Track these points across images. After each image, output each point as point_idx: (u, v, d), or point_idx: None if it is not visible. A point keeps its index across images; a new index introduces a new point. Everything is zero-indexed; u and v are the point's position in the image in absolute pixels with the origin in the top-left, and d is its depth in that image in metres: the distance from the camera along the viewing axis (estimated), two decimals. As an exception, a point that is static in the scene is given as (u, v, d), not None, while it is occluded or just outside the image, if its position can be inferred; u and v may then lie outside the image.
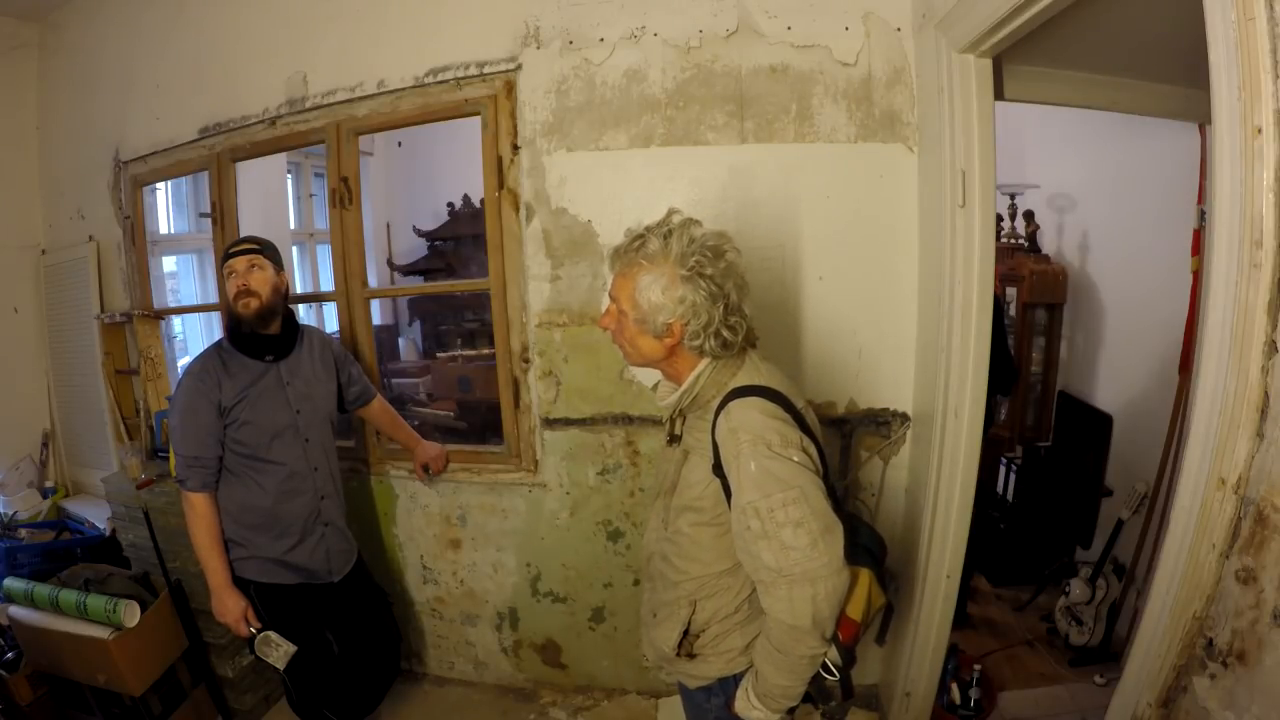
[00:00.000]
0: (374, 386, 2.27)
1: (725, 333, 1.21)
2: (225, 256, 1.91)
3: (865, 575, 1.32)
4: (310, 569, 1.96)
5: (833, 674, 1.25)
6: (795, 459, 1.16)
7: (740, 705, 1.30)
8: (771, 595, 1.16)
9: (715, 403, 1.23)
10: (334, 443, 2.09)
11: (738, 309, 1.23)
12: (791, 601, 1.14)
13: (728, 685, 1.35)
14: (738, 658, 1.33)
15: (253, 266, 1.87)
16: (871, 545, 1.39)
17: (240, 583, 1.90)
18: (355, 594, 2.09)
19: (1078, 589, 2.54)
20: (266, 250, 1.92)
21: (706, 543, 1.28)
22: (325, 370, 2.06)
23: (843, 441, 2.15)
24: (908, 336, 2.09)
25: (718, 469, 1.21)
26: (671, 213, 1.26)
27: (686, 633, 1.34)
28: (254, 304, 1.85)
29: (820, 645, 1.17)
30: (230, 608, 1.85)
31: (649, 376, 2.07)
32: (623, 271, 1.25)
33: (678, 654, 1.35)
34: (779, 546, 1.13)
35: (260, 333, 1.89)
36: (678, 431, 1.35)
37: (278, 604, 1.93)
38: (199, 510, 1.83)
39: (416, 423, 2.38)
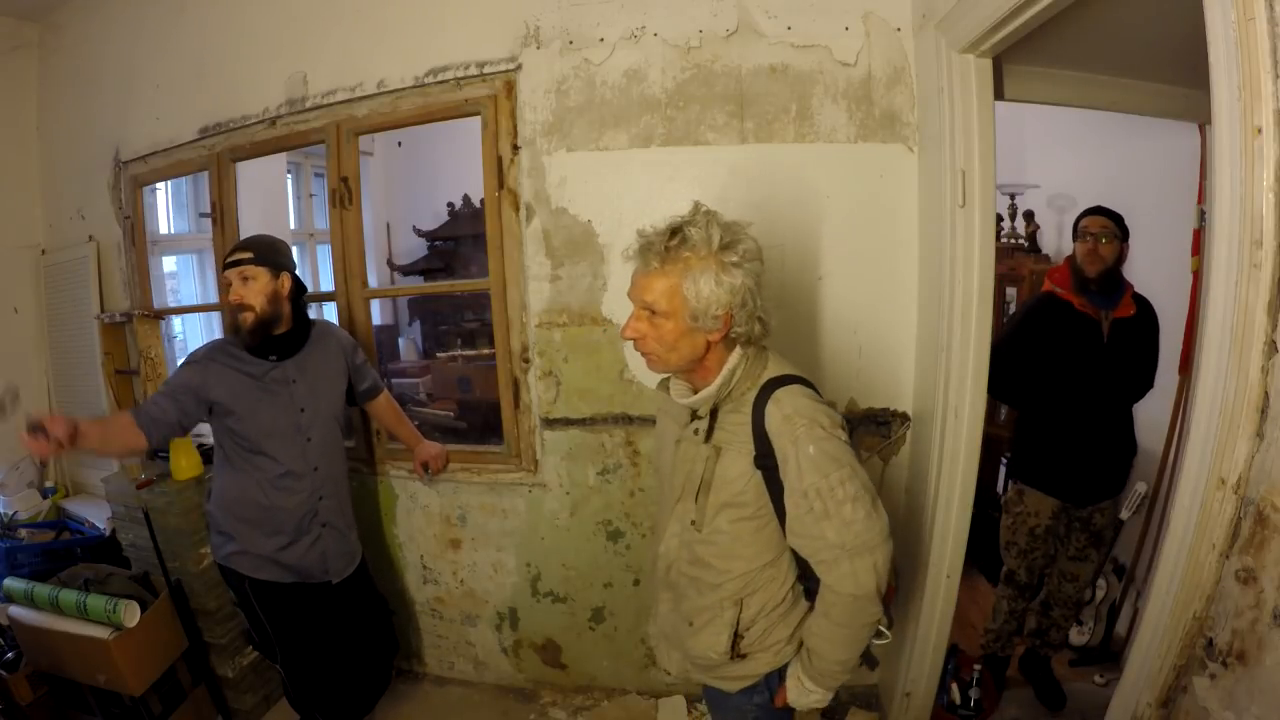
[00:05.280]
0: (381, 381, 2.26)
1: (762, 315, 1.22)
2: (224, 264, 1.87)
3: None
4: (304, 568, 1.94)
5: (884, 636, 1.28)
6: (843, 437, 1.20)
7: (794, 693, 1.30)
8: (835, 572, 1.18)
9: (750, 395, 1.23)
10: (341, 444, 2.07)
11: (760, 294, 1.24)
12: (855, 574, 1.17)
13: (773, 680, 1.34)
14: (784, 648, 1.33)
15: (245, 279, 1.82)
16: None
17: (235, 577, 1.91)
18: (353, 599, 2.07)
19: (1078, 589, 2.53)
20: (260, 256, 1.84)
21: (747, 538, 1.28)
22: (337, 370, 2.04)
23: (843, 441, 2.15)
24: (908, 336, 2.09)
25: (760, 460, 1.21)
26: (697, 205, 1.23)
27: (736, 633, 1.32)
28: (250, 318, 1.82)
29: (879, 609, 1.21)
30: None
31: (649, 377, 2.08)
32: (662, 270, 1.18)
33: (731, 656, 1.32)
34: (841, 523, 1.16)
35: (266, 334, 1.86)
36: (696, 428, 1.31)
37: (273, 601, 1.93)
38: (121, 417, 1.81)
39: (417, 423, 2.38)
